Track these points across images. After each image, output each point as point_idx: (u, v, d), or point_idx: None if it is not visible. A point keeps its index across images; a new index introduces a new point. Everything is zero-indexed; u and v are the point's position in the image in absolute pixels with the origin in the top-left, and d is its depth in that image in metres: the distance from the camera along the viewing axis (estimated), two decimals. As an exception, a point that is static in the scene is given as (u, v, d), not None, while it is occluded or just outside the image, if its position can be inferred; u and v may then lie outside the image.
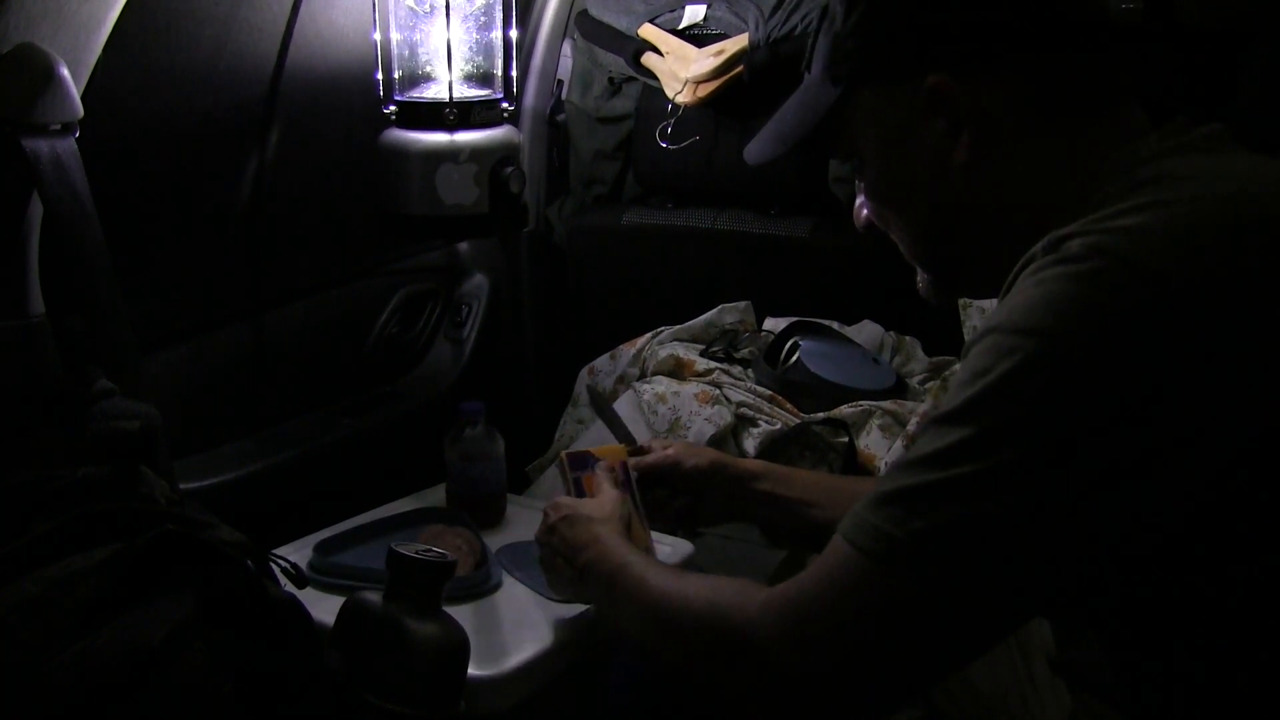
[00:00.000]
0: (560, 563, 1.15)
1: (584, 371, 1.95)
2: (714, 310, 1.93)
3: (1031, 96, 0.89)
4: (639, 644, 1.01)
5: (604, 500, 1.20)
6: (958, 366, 1.70)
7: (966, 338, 1.80)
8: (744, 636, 0.84)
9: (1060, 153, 0.89)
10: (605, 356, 1.93)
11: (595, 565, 1.08)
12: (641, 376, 1.84)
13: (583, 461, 1.31)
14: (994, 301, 0.86)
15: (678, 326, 1.92)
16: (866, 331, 1.90)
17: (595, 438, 1.77)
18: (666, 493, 1.35)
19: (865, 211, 1.01)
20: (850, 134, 0.97)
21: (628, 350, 1.90)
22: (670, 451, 1.34)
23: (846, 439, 1.61)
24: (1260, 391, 0.74)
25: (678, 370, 1.80)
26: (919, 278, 1.00)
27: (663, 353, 1.83)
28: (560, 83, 2.18)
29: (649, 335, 1.91)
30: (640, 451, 1.37)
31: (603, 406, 1.54)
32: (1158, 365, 0.73)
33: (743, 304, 1.96)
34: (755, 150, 1.07)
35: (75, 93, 1.12)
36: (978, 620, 0.78)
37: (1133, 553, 0.77)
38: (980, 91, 0.89)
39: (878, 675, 0.80)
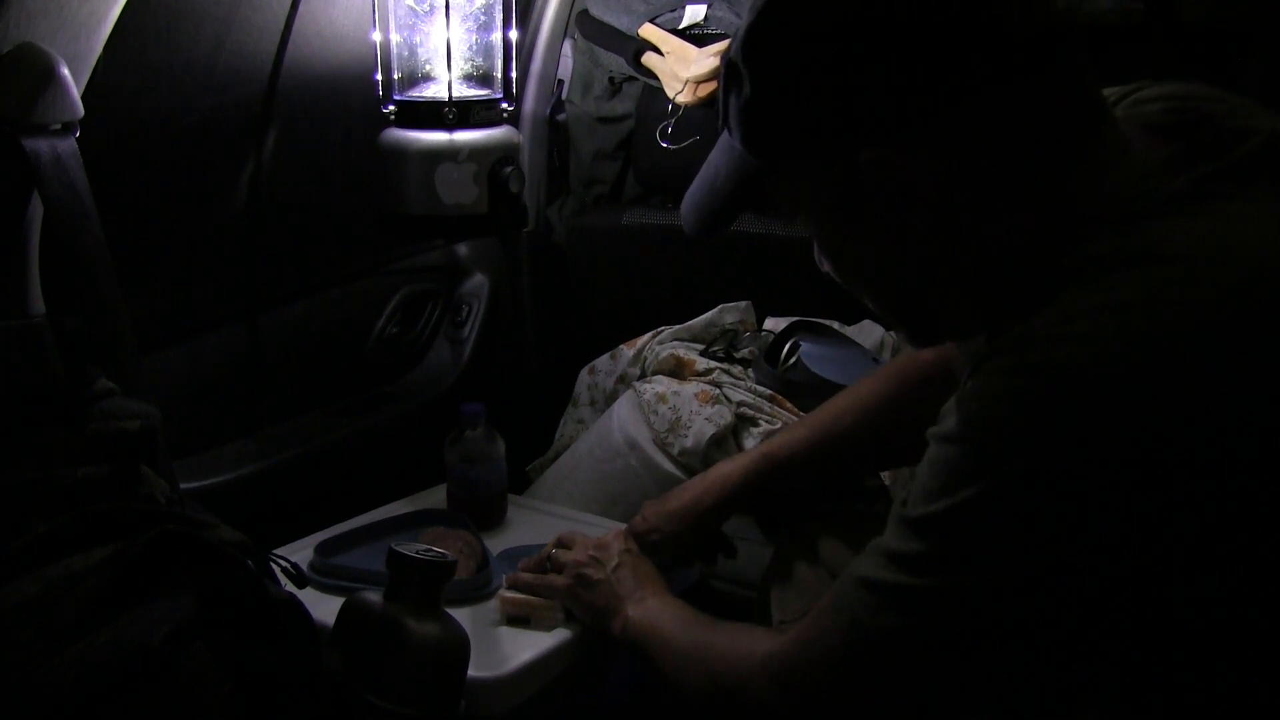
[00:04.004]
0: (591, 620, 1.23)
1: (584, 371, 1.95)
2: (714, 310, 1.93)
3: (990, 138, 0.76)
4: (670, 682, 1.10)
5: (606, 546, 1.27)
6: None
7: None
8: (743, 690, 0.96)
9: (1033, 188, 0.78)
10: (605, 356, 1.93)
11: (627, 631, 1.16)
12: (641, 376, 1.84)
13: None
14: None
15: (678, 326, 1.92)
16: (866, 331, 1.89)
17: (595, 438, 1.77)
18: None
19: (827, 265, 0.93)
20: (790, 201, 0.88)
21: (628, 350, 1.90)
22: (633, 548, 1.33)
23: (847, 439, 1.61)
24: (1225, 510, 0.71)
25: (678, 370, 1.80)
26: (896, 331, 0.97)
27: (663, 352, 1.83)
28: (560, 83, 2.18)
29: (649, 335, 1.91)
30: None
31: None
32: (1118, 502, 0.71)
33: (743, 304, 1.96)
34: (691, 222, 0.99)
35: (75, 93, 1.12)
36: (940, 701, 0.85)
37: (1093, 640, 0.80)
38: (927, 156, 0.76)
39: None
